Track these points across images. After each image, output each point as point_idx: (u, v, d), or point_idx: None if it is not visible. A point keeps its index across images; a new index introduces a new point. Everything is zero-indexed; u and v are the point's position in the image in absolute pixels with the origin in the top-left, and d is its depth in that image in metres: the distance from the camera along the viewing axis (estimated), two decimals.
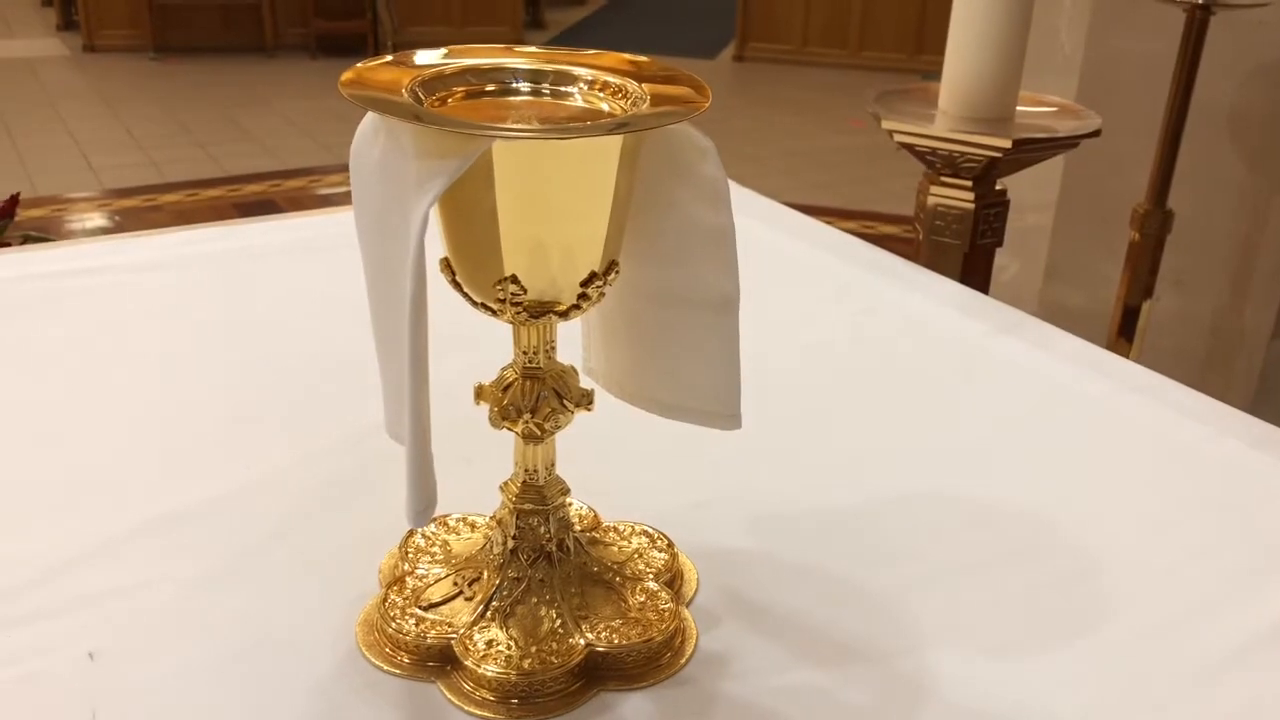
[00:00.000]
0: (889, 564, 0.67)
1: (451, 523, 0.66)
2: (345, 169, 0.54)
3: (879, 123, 1.37)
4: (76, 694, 0.55)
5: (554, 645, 0.57)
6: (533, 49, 0.56)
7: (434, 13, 6.33)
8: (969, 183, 1.33)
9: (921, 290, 1.05)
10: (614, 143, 0.51)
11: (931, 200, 1.34)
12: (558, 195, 0.51)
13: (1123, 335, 2.05)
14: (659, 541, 0.65)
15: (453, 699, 0.56)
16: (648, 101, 0.52)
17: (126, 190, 4.14)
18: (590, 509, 0.68)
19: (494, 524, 0.62)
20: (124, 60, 6.04)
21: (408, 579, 0.62)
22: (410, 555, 0.64)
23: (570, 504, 0.67)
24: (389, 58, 0.52)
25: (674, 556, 0.64)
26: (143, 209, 3.94)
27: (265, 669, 0.57)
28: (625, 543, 0.65)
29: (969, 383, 0.90)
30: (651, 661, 0.58)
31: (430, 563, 0.63)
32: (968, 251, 1.34)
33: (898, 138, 1.35)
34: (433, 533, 0.65)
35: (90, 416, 0.80)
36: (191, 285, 1.00)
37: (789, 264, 1.11)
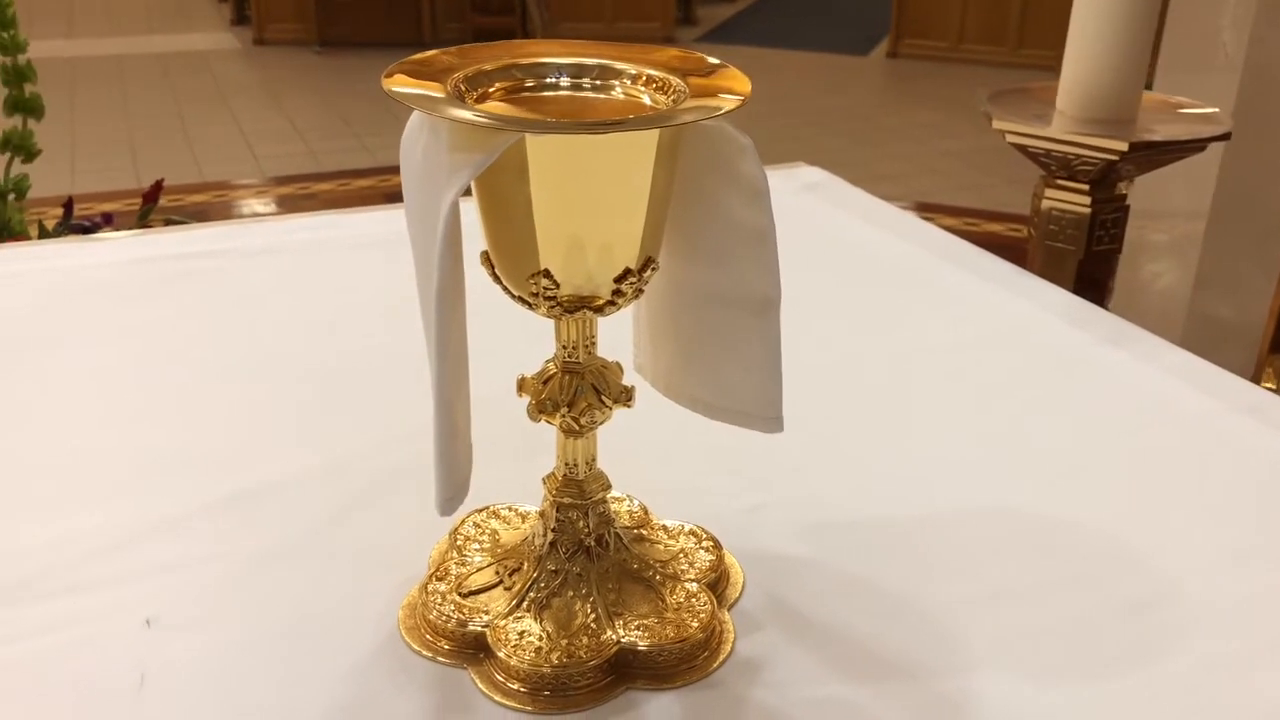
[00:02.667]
0: (946, 579, 0.65)
1: (504, 513, 0.67)
2: None
3: (990, 122, 1.32)
4: (129, 658, 0.58)
5: (585, 640, 0.57)
6: (583, 42, 0.56)
7: (585, 9, 6.40)
8: (1085, 186, 1.27)
9: (1027, 296, 1.01)
10: (649, 138, 0.50)
11: (1046, 204, 1.28)
12: (593, 190, 0.51)
13: (1276, 350, 1.94)
14: (706, 542, 0.65)
15: (482, 687, 0.56)
16: (689, 96, 0.51)
17: (284, 178, 4.31)
18: (642, 506, 0.68)
19: (537, 516, 0.62)
20: (290, 53, 6.30)
21: (453, 566, 0.62)
22: (459, 543, 0.64)
23: (621, 499, 0.68)
24: (433, 52, 0.53)
25: (720, 558, 0.64)
26: (297, 196, 4.10)
27: (308, 647, 0.59)
28: (672, 542, 0.65)
29: (1063, 395, 0.86)
30: (683, 662, 0.58)
31: (477, 551, 0.64)
32: (1082, 258, 1.28)
33: (1010, 138, 1.30)
34: (484, 521, 0.66)
35: (180, 395, 0.83)
36: (294, 271, 1.04)
37: (892, 266, 1.09)
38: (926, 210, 4.14)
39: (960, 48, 6.26)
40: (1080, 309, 0.98)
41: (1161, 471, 0.76)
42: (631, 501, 0.68)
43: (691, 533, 0.65)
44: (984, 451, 0.78)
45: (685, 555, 0.64)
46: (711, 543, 0.65)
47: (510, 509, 0.67)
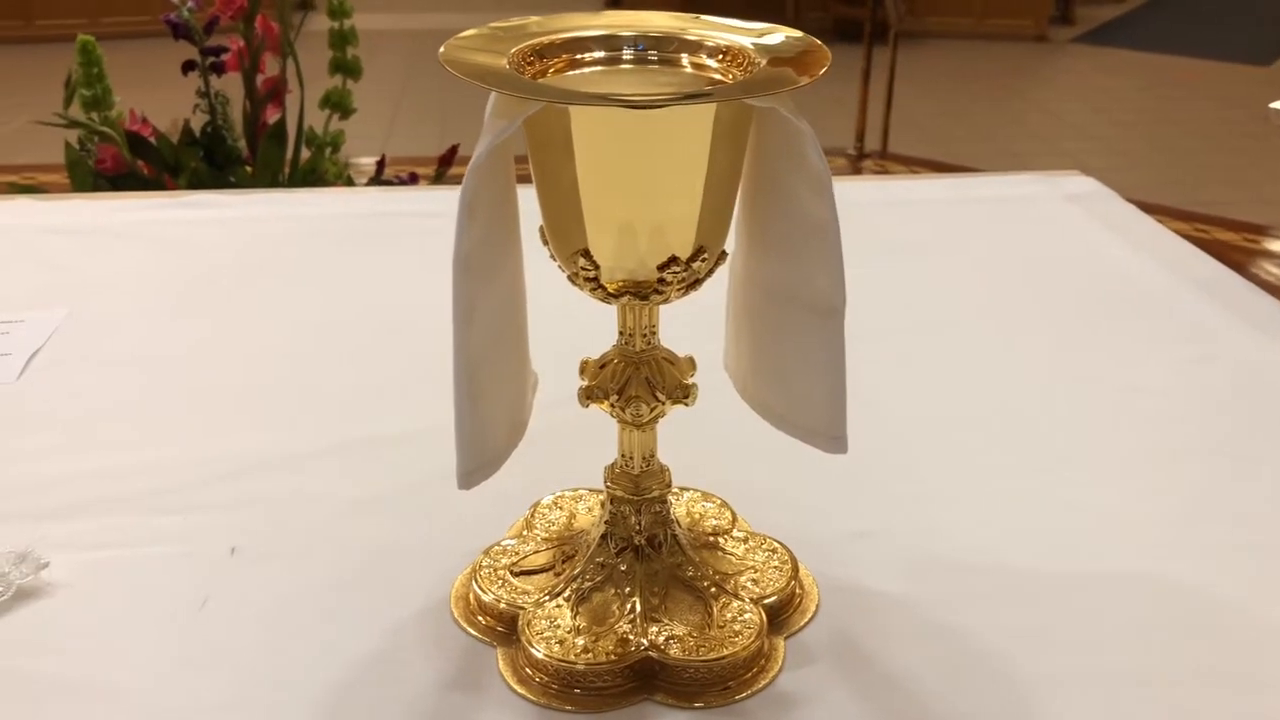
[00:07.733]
0: (1054, 648, 0.57)
1: (588, 496, 0.65)
2: None
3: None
4: (202, 580, 0.61)
5: (612, 641, 0.55)
6: (675, 14, 0.53)
7: (953, 4, 6.16)
8: None
9: None
10: (703, 115, 0.47)
11: None
12: (640, 169, 0.48)
13: None
14: (782, 561, 0.60)
15: (502, 669, 0.55)
16: (762, 74, 0.47)
17: None
18: (730, 511, 0.64)
19: (600, 506, 0.60)
20: None
21: (518, 543, 0.61)
22: (534, 520, 0.63)
23: (708, 499, 0.64)
24: (514, 21, 0.52)
25: (793, 581, 0.59)
26: None
27: (362, 598, 0.60)
28: (747, 555, 0.60)
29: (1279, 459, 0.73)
30: (714, 684, 0.54)
31: (547, 531, 0.62)
32: None
33: None
34: (565, 502, 0.65)
35: (356, 342, 0.87)
36: None
37: (1136, 293, 0.96)
38: None
39: None
40: None
41: None
42: (721, 505, 0.64)
43: (772, 549, 0.61)
44: (1158, 512, 0.68)
45: (754, 571, 0.59)
46: (788, 562, 0.60)
47: (594, 492, 0.65)
